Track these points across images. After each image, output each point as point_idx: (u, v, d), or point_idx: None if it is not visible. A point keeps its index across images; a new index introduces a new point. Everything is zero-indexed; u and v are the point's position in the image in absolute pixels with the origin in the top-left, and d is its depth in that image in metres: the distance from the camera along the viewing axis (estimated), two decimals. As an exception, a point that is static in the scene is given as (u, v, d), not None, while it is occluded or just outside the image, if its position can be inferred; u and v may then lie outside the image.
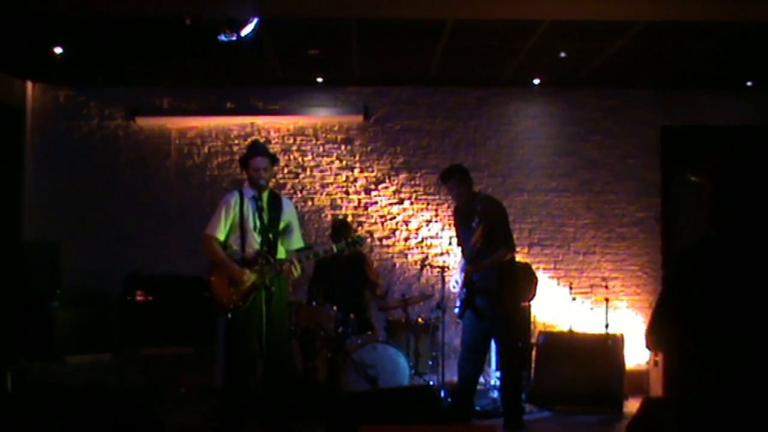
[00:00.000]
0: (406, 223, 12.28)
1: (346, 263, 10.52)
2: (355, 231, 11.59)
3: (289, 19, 9.30)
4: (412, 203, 12.29)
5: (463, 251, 9.43)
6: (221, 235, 8.04)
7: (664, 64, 11.13)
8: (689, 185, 4.06)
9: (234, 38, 8.76)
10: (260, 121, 12.33)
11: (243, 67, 11.33)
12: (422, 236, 12.28)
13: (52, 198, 12.14)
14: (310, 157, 12.33)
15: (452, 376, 9.83)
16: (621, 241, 12.32)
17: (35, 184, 12.14)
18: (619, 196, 12.33)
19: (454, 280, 9.35)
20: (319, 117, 12.32)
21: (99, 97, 12.28)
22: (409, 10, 9.04)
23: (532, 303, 11.09)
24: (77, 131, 12.26)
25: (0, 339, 10.67)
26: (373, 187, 12.30)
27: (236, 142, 12.27)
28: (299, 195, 12.21)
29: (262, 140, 11.32)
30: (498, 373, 9.95)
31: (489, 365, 10.53)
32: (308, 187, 12.31)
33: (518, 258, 10.24)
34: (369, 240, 12.10)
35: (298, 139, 12.35)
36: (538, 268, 11.72)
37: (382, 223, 12.28)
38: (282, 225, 8.14)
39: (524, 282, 10.42)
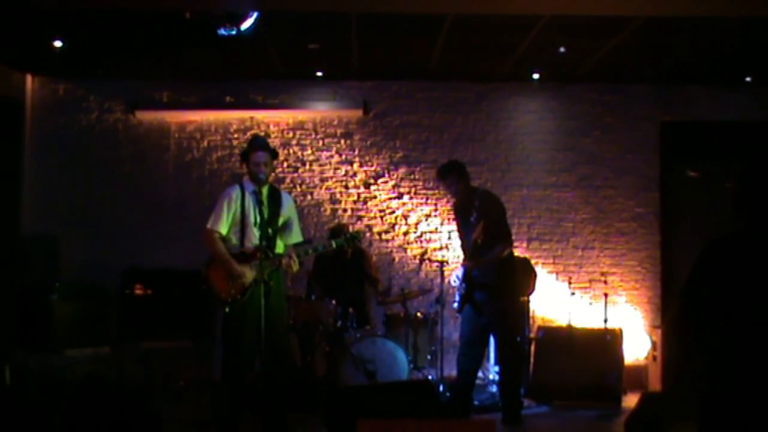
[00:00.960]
0: (406, 217, 12.29)
1: (345, 258, 10.54)
2: (351, 226, 11.63)
3: (288, 13, 9.29)
4: (411, 198, 12.29)
5: (462, 247, 9.44)
6: (224, 230, 8.02)
7: (664, 60, 11.13)
8: (688, 180, 4.08)
9: (234, 32, 8.76)
10: (260, 115, 12.33)
11: (242, 61, 11.33)
12: (421, 231, 12.28)
13: (51, 191, 12.13)
14: (309, 152, 12.33)
15: (451, 370, 9.84)
16: (620, 236, 12.32)
17: (34, 177, 12.14)
18: (618, 191, 12.33)
19: (455, 276, 9.35)
20: (319, 111, 12.32)
21: (98, 90, 12.28)
22: (408, 5, 9.03)
23: (531, 297, 11.10)
24: (76, 124, 12.26)
25: (-1, 332, 10.69)
26: (372, 181, 12.30)
27: (235, 136, 12.27)
28: (298, 189, 12.21)
29: (261, 134, 11.32)
30: (497, 368, 9.96)
31: (488, 360, 10.55)
32: (307, 181, 12.31)
33: (517, 253, 10.25)
34: (368, 234, 12.12)
35: (298, 133, 12.35)
36: (537, 263, 11.74)
37: (381, 218, 12.28)
38: (281, 220, 8.13)
39: (523, 277, 10.44)
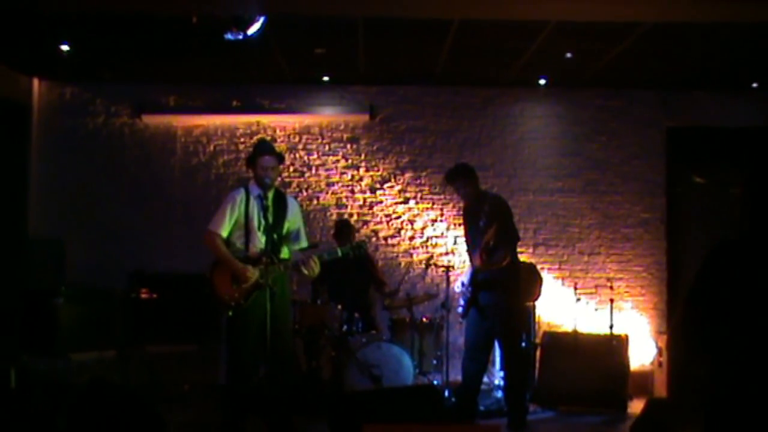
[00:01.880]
0: (411, 222, 12.29)
1: (350, 262, 10.52)
2: (357, 231, 11.64)
3: (295, 17, 9.30)
4: (417, 202, 12.29)
5: (468, 251, 9.43)
6: (224, 232, 8.01)
7: (670, 66, 11.13)
8: (694, 186, 4.10)
9: (240, 37, 8.78)
10: (266, 119, 12.34)
11: (249, 66, 11.34)
12: (427, 236, 12.28)
13: (58, 195, 12.15)
14: (315, 156, 12.34)
15: (456, 375, 9.83)
16: (626, 241, 12.32)
17: (41, 180, 12.16)
18: (624, 197, 12.33)
19: (460, 281, 9.35)
20: (325, 116, 12.32)
21: (105, 94, 12.29)
22: (415, 10, 9.04)
23: (537, 303, 11.08)
24: (83, 128, 12.27)
25: (4, 335, 10.68)
26: (378, 186, 12.31)
27: (242, 140, 12.28)
28: (304, 193, 12.22)
29: (267, 138, 11.33)
30: (502, 373, 9.94)
31: (493, 365, 10.54)
32: (313, 185, 12.31)
33: (523, 258, 10.25)
34: (374, 239, 12.13)
35: (304, 137, 12.36)
36: (542, 268, 11.72)
37: (388, 222, 12.28)
38: (287, 225, 8.12)
39: (529, 282, 10.43)
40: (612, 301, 10.96)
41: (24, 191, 11.97)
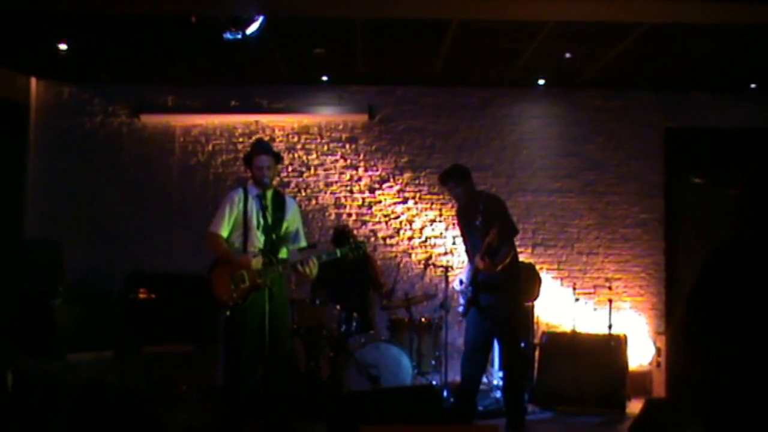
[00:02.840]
0: (410, 222, 12.28)
1: (349, 263, 10.51)
2: (356, 231, 11.63)
3: (294, 18, 9.31)
4: (416, 203, 12.29)
5: (466, 250, 9.42)
6: (225, 233, 8.00)
7: (668, 66, 11.13)
8: (692, 187, 4.09)
9: (239, 36, 8.77)
10: (265, 119, 12.34)
11: (248, 66, 11.33)
12: (426, 236, 12.27)
13: (55, 195, 12.15)
14: (314, 156, 12.34)
15: (455, 375, 9.83)
16: (624, 242, 12.32)
17: (38, 180, 12.16)
18: (623, 198, 12.33)
19: (459, 279, 9.35)
20: (324, 116, 12.32)
21: (103, 94, 12.29)
22: (414, 10, 9.04)
23: (536, 303, 11.08)
24: (81, 128, 12.27)
25: (1, 336, 10.67)
26: (377, 186, 12.30)
27: (240, 140, 12.27)
28: (303, 194, 12.21)
29: (266, 138, 11.34)
30: (501, 373, 9.94)
31: (492, 365, 10.53)
32: (312, 185, 12.31)
33: (522, 258, 10.23)
34: (372, 239, 12.13)
35: (303, 137, 12.35)
36: (541, 269, 11.73)
37: (386, 223, 12.28)
38: (285, 225, 8.10)
39: (528, 282, 10.42)
40: (610, 301, 10.95)
41: (21, 191, 11.97)
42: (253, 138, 11.51)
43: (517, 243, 9.53)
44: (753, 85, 11.81)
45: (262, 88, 12.29)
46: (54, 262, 11.63)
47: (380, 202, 12.30)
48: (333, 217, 12.20)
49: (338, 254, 8.41)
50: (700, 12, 8.86)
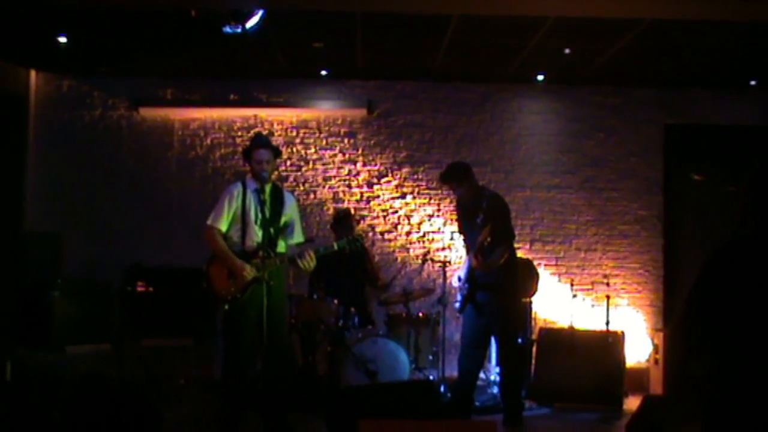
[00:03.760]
0: (408, 217, 12.28)
1: (347, 257, 10.52)
2: (357, 222, 11.63)
3: (293, 11, 9.30)
4: (414, 198, 12.29)
5: (465, 246, 9.42)
6: (223, 227, 8.01)
7: (668, 63, 11.12)
8: (692, 184, 4.08)
9: (239, 30, 8.77)
10: (264, 113, 12.33)
11: (247, 59, 11.32)
12: (424, 231, 12.27)
13: (54, 188, 12.14)
14: (313, 150, 12.33)
15: (452, 371, 9.83)
16: (623, 238, 12.32)
17: (37, 173, 12.15)
18: (622, 194, 12.33)
19: (457, 276, 9.35)
20: (323, 110, 12.32)
21: (102, 86, 12.28)
22: (413, 5, 9.04)
23: (533, 299, 11.08)
24: (80, 121, 12.26)
25: (0, 329, 10.67)
26: (375, 181, 12.30)
27: (239, 134, 12.27)
28: (302, 188, 12.21)
29: (265, 132, 11.35)
30: (498, 369, 9.94)
31: (489, 361, 10.53)
32: (311, 180, 12.30)
33: (520, 254, 10.23)
34: (371, 234, 12.12)
35: (302, 131, 12.35)
36: (539, 265, 11.73)
37: (384, 218, 12.27)
38: (284, 219, 8.10)
39: (526, 278, 10.43)
40: (608, 297, 10.96)
41: (20, 184, 11.96)
42: (252, 132, 11.50)
43: (515, 239, 9.53)
44: (753, 82, 11.81)
45: (261, 82, 12.29)
46: (53, 254, 11.65)
47: (378, 196, 12.30)
48: (331, 211, 12.18)
49: (336, 247, 8.42)
50: (700, 8, 8.85)
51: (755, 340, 3.60)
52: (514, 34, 9.94)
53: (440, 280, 10.34)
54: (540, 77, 11.98)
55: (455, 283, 9.40)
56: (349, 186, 12.31)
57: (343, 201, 12.26)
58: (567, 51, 10.56)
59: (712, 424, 3.71)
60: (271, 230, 7.99)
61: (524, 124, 12.41)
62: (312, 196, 12.27)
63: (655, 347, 11.06)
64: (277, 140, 11.83)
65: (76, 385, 7.34)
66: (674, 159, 12.32)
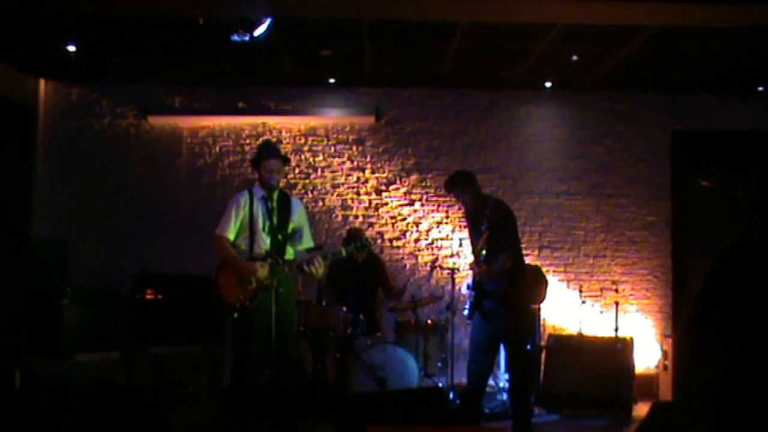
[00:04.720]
0: (417, 224, 12.28)
1: (360, 265, 10.57)
2: (367, 239, 11.63)
3: (301, 19, 9.32)
4: (422, 204, 12.29)
5: (473, 254, 9.42)
6: (231, 235, 8.00)
7: (675, 69, 11.13)
8: (700, 189, 4.08)
9: (247, 38, 8.77)
10: (272, 121, 12.35)
11: (255, 67, 11.35)
12: (432, 238, 12.27)
13: (63, 195, 12.16)
14: (321, 158, 12.34)
15: (461, 377, 9.83)
16: (631, 244, 12.31)
17: (46, 181, 12.18)
18: (630, 200, 12.32)
19: (466, 283, 9.35)
20: (331, 118, 12.33)
21: (111, 95, 12.31)
22: (421, 12, 9.06)
23: (542, 305, 11.08)
24: (89, 129, 12.29)
25: (8, 336, 10.68)
26: (384, 188, 12.31)
27: (248, 141, 12.29)
28: (310, 195, 12.22)
29: (273, 140, 11.33)
30: (507, 375, 9.94)
31: (498, 367, 10.52)
32: (319, 187, 12.31)
33: (528, 260, 10.23)
34: (379, 241, 12.13)
35: (310, 139, 12.36)
36: (548, 271, 11.73)
37: (393, 225, 12.28)
38: (292, 226, 8.11)
39: (535, 284, 10.42)
40: (617, 303, 10.96)
41: (29, 192, 11.99)
42: (261, 140, 11.51)
43: (523, 245, 9.55)
44: (760, 88, 11.80)
45: (269, 90, 12.30)
46: (61, 262, 11.65)
47: (387, 204, 12.31)
48: (339, 218, 12.21)
49: (344, 253, 8.45)
50: (706, 14, 8.86)
51: (762, 345, 3.60)
52: (521, 40, 9.95)
53: (449, 287, 10.32)
54: (547, 84, 11.99)
55: (464, 290, 9.40)
56: (358, 193, 12.32)
57: (352, 208, 12.28)
58: (574, 57, 10.57)
59: (722, 429, 3.71)
60: (279, 237, 8.00)
61: (532, 130, 12.41)
62: (320, 203, 12.28)
63: (664, 353, 11.04)
64: (285, 148, 11.85)
65: (84, 392, 7.35)
66: (682, 165, 12.31)
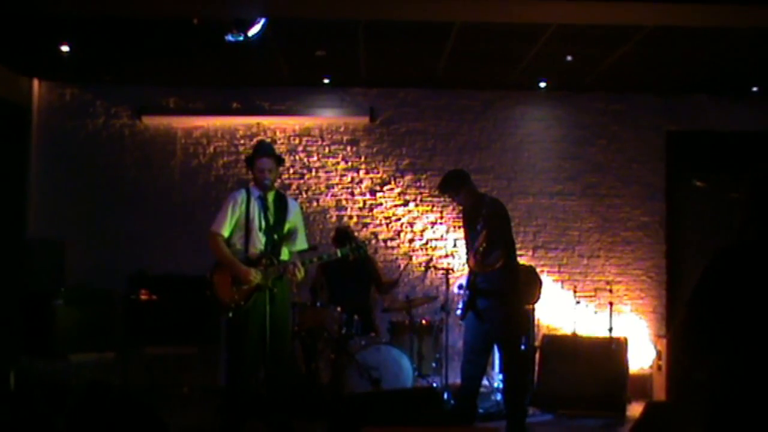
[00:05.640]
0: (411, 224, 12.29)
1: (352, 265, 10.54)
2: (357, 238, 11.62)
3: (296, 20, 9.31)
4: (417, 205, 12.30)
5: (467, 252, 9.42)
6: (226, 232, 8.01)
7: (670, 69, 11.14)
8: (694, 190, 4.09)
9: (241, 39, 8.78)
10: (266, 121, 12.34)
11: (250, 68, 11.34)
12: (427, 238, 12.28)
13: (57, 196, 12.15)
14: (315, 158, 12.34)
15: (455, 378, 9.82)
16: (625, 245, 12.32)
17: (40, 182, 12.16)
18: (624, 200, 12.33)
19: (459, 284, 9.35)
20: (325, 118, 12.32)
21: (105, 95, 12.30)
22: (416, 13, 9.05)
23: (536, 306, 11.08)
24: (83, 129, 12.28)
25: (3, 337, 10.69)
26: (378, 188, 12.31)
27: (242, 142, 12.28)
28: (304, 195, 12.22)
29: (267, 140, 11.33)
30: (501, 376, 9.94)
31: (492, 368, 10.53)
32: (313, 187, 12.31)
33: (523, 261, 10.24)
34: (373, 241, 12.13)
35: (304, 139, 12.36)
36: (542, 271, 11.72)
37: (387, 225, 12.28)
38: (287, 226, 8.13)
39: (529, 285, 10.42)
40: (611, 304, 10.97)
41: (24, 192, 11.97)
42: (255, 140, 11.51)
43: (517, 246, 9.54)
44: (755, 89, 11.82)
45: (263, 90, 12.30)
46: (56, 262, 11.66)
47: (381, 204, 12.31)
48: (334, 219, 12.21)
49: (339, 255, 8.45)
50: (701, 15, 8.86)
51: (755, 345, 3.61)
52: (516, 41, 9.95)
53: (443, 287, 10.34)
54: (542, 84, 12.00)
55: (457, 290, 9.40)
56: (352, 194, 12.32)
57: (346, 209, 12.29)
58: (569, 58, 10.57)
59: (715, 429, 3.72)
60: (275, 237, 8.02)
61: (526, 131, 12.42)
62: (315, 203, 12.28)
63: (658, 353, 11.06)
64: (279, 148, 11.84)
65: (79, 393, 7.34)
66: (676, 165, 12.33)
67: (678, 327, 3.93)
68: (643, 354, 11.62)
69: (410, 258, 12.17)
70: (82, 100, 12.31)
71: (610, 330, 10.69)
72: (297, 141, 12.35)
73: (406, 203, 12.30)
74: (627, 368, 10.50)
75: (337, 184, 12.33)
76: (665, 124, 12.37)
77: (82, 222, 12.11)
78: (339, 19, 9.33)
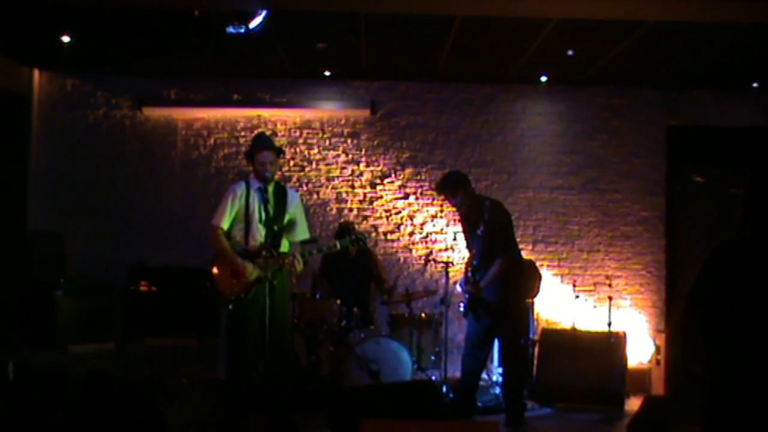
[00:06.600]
0: (411, 218, 12.29)
1: (353, 258, 10.57)
2: (357, 225, 11.62)
3: (297, 12, 9.30)
4: (417, 198, 12.30)
5: (467, 247, 9.41)
6: (225, 225, 8.02)
7: (671, 64, 11.13)
8: (694, 185, 4.09)
9: (242, 30, 8.78)
10: (267, 113, 12.34)
11: (251, 60, 11.34)
12: (427, 231, 12.28)
13: (58, 187, 12.16)
14: (316, 151, 12.35)
15: (454, 371, 9.85)
16: (625, 239, 12.33)
17: (41, 172, 12.17)
18: (624, 195, 12.34)
19: (459, 283, 9.37)
20: (326, 110, 12.32)
21: (106, 86, 12.30)
22: (417, 6, 9.05)
23: (536, 300, 11.08)
24: (84, 120, 12.28)
25: (3, 327, 10.68)
26: (378, 181, 12.31)
27: (242, 134, 12.28)
28: (305, 188, 12.22)
29: (268, 133, 11.33)
30: (500, 370, 9.96)
31: (491, 361, 10.53)
32: (314, 180, 12.32)
33: (523, 255, 10.22)
34: (373, 234, 12.14)
35: (305, 132, 12.36)
36: (542, 266, 11.73)
37: (387, 218, 12.29)
38: (287, 217, 8.13)
39: (528, 279, 10.41)
40: (610, 298, 10.94)
41: (24, 183, 11.98)
42: (255, 132, 11.51)
43: (518, 240, 9.55)
44: (755, 84, 11.82)
45: (264, 83, 12.30)
46: (56, 253, 11.67)
47: (381, 197, 12.31)
48: (334, 211, 12.21)
49: (339, 246, 8.47)
50: (702, 10, 8.87)
51: (755, 340, 3.61)
52: (517, 35, 9.95)
53: (443, 281, 10.33)
54: (543, 78, 12.00)
55: (458, 288, 9.41)
56: (352, 186, 12.32)
57: (346, 201, 12.29)
58: (570, 52, 10.57)
59: (712, 424, 3.72)
60: (275, 228, 8.02)
61: (527, 125, 12.42)
62: (315, 196, 12.29)
63: (657, 348, 11.06)
64: (280, 140, 11.85)
65: (79, 384, 7.35)
66: (677, 160, 12.33)
67: (677, 321, 3.95)
68: (642, 348, 11.62)
69: (410, 251, 12.18)
70: (82, 90, 12.31)
71: (609, 324, 10.68)
72: (298, 133, 12.35)
73: (406, 196, 12.31)
74: (626, 362, 10.49)
75: (337, 176, 12.33)
76: (666, 119, 12.37)
77: (83, 213, 12.12)
78: (340, 12, 9.32)
